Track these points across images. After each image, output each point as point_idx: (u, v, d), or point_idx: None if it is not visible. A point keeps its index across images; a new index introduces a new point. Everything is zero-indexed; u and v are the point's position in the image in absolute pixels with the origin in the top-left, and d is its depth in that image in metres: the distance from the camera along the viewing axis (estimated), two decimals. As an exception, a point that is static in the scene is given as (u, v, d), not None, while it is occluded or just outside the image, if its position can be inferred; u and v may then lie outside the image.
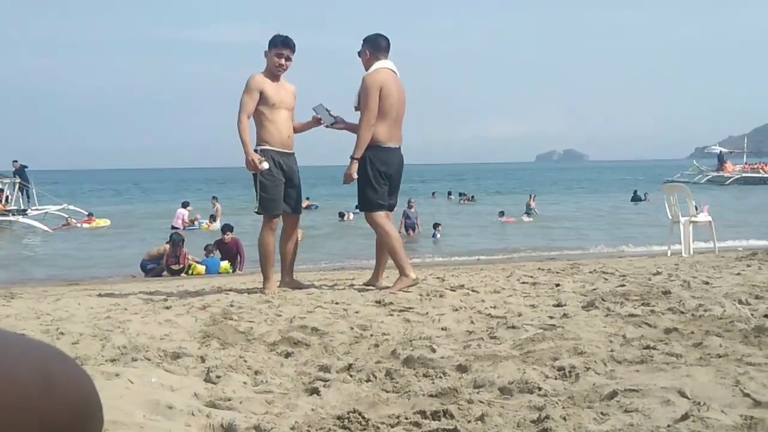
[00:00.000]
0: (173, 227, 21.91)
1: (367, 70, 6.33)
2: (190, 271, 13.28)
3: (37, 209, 25.79)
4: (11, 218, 23.05)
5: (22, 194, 26.29)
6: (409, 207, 21.91)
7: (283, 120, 6.46)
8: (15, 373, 0.45)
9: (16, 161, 27.95)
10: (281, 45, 6.38)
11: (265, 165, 6.31)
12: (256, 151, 6.37)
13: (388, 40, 6.44)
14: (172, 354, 3.88)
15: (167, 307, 5.53)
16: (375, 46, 6.37)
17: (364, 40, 6.43)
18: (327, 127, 6.66)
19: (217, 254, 13.82)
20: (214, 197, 26.98)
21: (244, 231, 15.76)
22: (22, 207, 25.31)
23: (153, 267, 13.31)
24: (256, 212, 6.58)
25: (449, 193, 40.12)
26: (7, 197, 25.27)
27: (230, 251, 13.94)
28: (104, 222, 25.30)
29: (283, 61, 6.40)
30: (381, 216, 6.41)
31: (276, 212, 6.49)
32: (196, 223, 23.14)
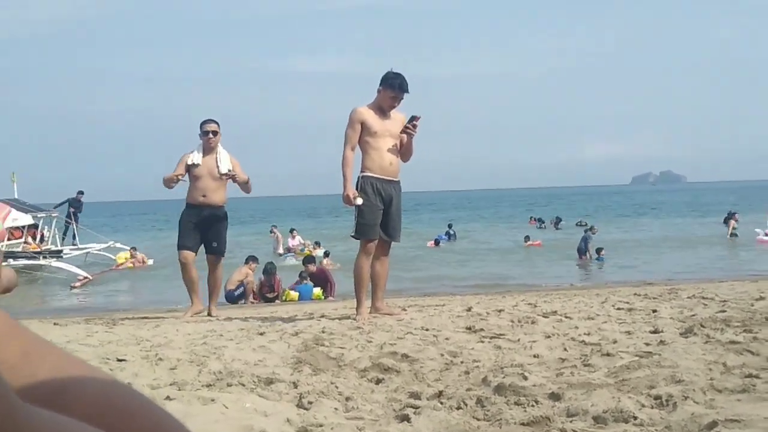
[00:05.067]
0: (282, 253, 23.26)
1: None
2: (283, 298, 13.50)
3: (77, 248, 22.29)
4: (42, 261, 18.90)
5: (62, 231, 23.51)
6: (593, 232, 22.18)
7: (386, 147, 6.63)
8: None
9: (81, 192, 25.41)
10: (398, 90, 6.62)
11: (359, 201, 6.48)
12: (358, 178, 6.60)
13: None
14: (266, 379, 3.95)
15: (261, 334, 5.64)
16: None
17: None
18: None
19: (310, 282, 14.02)
20: (273, 226, 27.28)
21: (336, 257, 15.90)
22: (59, 245, 21.99)
23: (240, 292, 13.51)
24: (353, 236, 6.74)
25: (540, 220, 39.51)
26: (42, 235, 21.95)
27: (320, 278, 14.12)
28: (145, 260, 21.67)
29: (396, 104, 6.69)
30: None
31: (372, 237, 6.60)
32: (292, 250, 23.58)
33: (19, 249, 20.28)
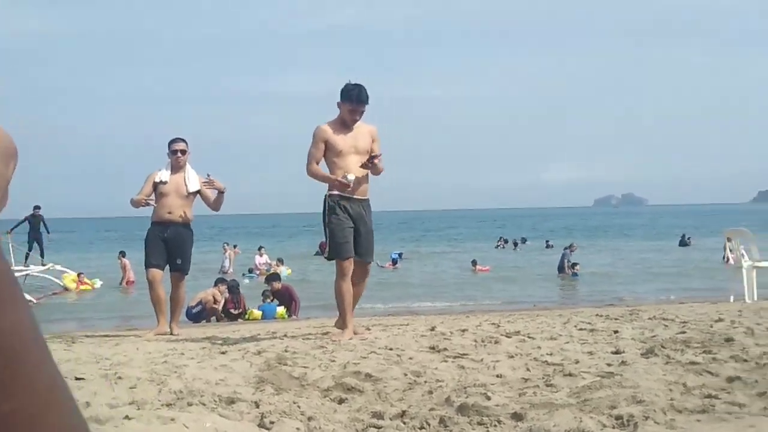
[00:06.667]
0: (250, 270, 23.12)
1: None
2: (246, 317, 13.41)
3: (15, 270, 19.42)
4: None
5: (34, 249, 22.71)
6: (571, 249, 22.77)
7: (351, 166, 6.43)
8: None
9: (37, 207, 24.46)
10: (356, 102, 6.42)
11: (351, 176, 6.31)
12: (324, 198, 6.49)
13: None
14: (227, 399, 3.91)
15: (223, 352, 5.58)
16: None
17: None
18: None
19: (275, 300, 13.94)
20: (225, 243, 27.16)
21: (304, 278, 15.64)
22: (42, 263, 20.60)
23: (199, 309, 13.38)
24: (326, 258, 6.67)
25: (505, 241, 39.72)
26: None
27: (284, 296, 14.05)
28: (93, 283, 20.45)
29: (357, 116, 6.47)
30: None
31: (347, 255, 6.44)
32: (258, 269, 23.38)
33: None
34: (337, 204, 6.44)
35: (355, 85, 6.43)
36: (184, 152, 7.93)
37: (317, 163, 6.46)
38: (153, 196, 7.90)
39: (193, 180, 7.91)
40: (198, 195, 7.99)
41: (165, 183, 7.86)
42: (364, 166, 6.41)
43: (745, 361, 4.61)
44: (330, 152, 6.42)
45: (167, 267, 8.00)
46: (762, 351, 4.88)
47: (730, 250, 11.97)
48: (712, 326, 6.47)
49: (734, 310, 8.35)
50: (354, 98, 6.37)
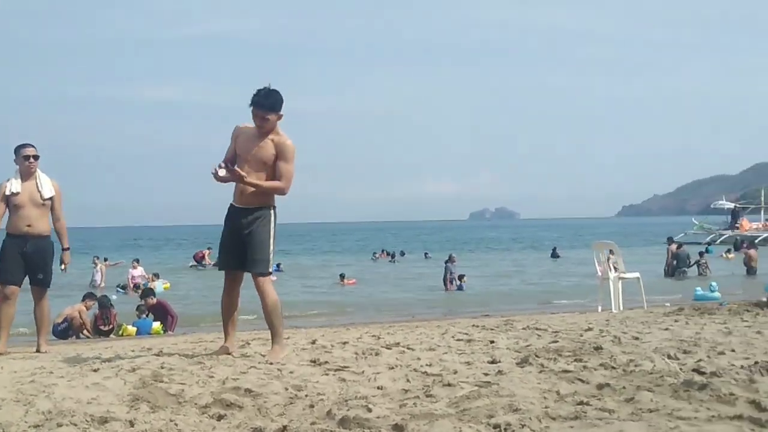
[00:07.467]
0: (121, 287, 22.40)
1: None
2: (120, 332, 12.94)
3: None
4: None
5: None
6: (452, 261, 22.67)
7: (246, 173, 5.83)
8: None
9: None
10: (252, 106, 5.83)
11: (222, 171, 5.78)
12: None
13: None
14: (100, 419, 3.76)
15: (95, 370, 5.35)
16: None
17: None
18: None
19: (151, 316, 13.56)
20: (95, 257, 26.46)
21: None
22: None
23: (65, 326, 12.84)
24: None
25: (386, 253, 40.15)
26: None
27: (159, 312, 13.69)
28: None
29: (257, 122, 5.88)
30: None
31: (222, 267, 6.24)
32: (135, 281, 22.80)
33: None
34: (227, 215, 6.11)
35: (265, 90, 5.86)
36: (36, 157, 7.56)
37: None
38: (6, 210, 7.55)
39: (46, 186, 7.57)
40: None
41: (17, 193, 7.47)
42: (229, 172, 5.85)
43: (614, 368, 4.82)
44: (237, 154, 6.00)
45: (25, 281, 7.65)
46: (628, 359, 5.12)
47: (598, 262, 12.49)
48: (582, 335, 6.74)
49: (602, 319, 8.74)
50: (252, 102, 5.84)
